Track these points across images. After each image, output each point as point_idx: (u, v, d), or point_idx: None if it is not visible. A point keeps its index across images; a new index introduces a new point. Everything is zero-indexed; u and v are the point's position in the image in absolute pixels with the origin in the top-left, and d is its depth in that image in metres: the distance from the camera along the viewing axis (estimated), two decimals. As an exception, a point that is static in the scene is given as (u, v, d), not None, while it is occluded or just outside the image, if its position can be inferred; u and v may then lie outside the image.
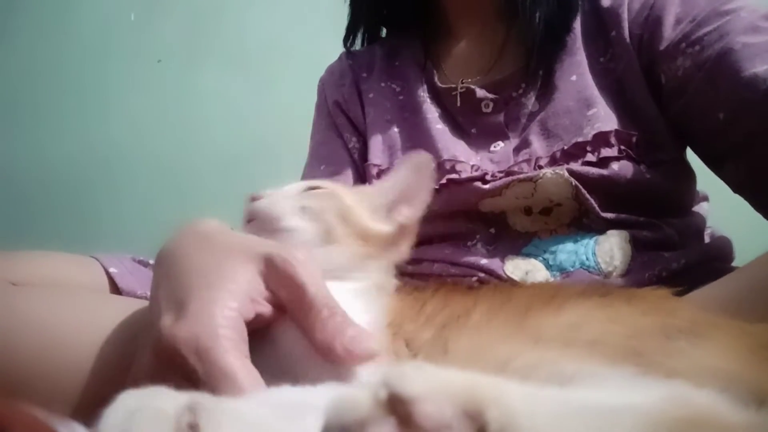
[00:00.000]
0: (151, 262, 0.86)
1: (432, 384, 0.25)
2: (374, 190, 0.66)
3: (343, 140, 0.94)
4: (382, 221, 0.60)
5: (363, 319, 0.43)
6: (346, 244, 0.57)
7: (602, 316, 0.42)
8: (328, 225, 0.57)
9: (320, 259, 0.50)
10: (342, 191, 0.62)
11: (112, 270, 0.76)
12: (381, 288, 0.55)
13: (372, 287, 0.54)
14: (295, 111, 1.06)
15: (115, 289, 0.75)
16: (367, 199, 0.63)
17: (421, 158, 0.61)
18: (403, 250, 0.61)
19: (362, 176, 0.90)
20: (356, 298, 0.48)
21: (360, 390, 0.26)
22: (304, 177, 0.95)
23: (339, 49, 1.04)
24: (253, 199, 0.61)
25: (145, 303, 0.72)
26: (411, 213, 0.60)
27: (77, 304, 0.59)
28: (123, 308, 0.63)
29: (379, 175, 0.85)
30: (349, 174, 0.90)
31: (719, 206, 0.85)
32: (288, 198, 0.60)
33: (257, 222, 0.59)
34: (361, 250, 0.57)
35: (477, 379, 0.27)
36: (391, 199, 0.62)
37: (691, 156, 0.79)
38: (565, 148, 0.74)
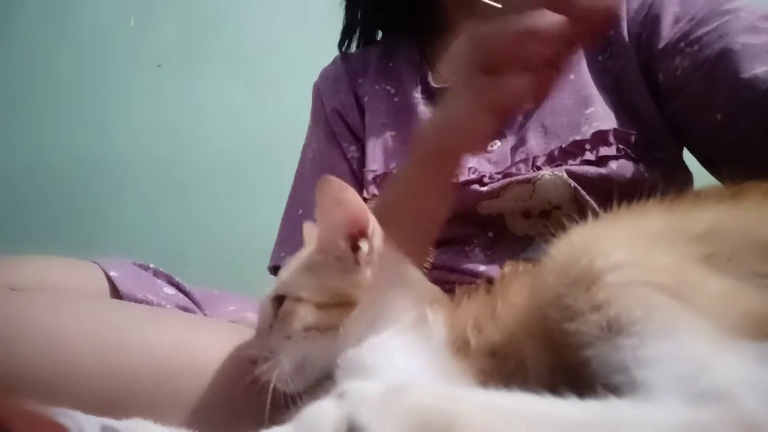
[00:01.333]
0: (152, 265, 0.86)
1: None
2: (311, 251, 0.56)
3: (341, 150, 0.93)
4: (346, 273, 0.53)
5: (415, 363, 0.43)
6: (344, 320, 0.50)
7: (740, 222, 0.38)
8: (317, 327, 0.51)
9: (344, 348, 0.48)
10: (302, 285, 0.53)
11: (112, 274, 0.76)
12: (423, 310, 0.50)
13: (409, 319, 0.49)
14: (294, 114, 1.06)
15: (116, 292, 0.75)
16: (321, 265, 0.54)
17: (326, 186, 0.51)
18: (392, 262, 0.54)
19: (362, 185, 0.89)
20: (400, 346, 0.46)
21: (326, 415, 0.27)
22: (300, 190, 0.95)
23: (337, 52, 1.04)
24: (251, 362, 0.54)
25: (146, 307, 0.73)
26: (370, 243, 0.53)
27: (77, 309, 0.59)
28: (123, 312, 0.64)
29: (375, 181, 0.84)
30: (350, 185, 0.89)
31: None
32: (271, 340, 0.53)
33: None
34: (359, 309, 0.51)
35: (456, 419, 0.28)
36: (333, 246, 0.53)
37: (688, 157, 0.78)
38: (563, 146, 0.73)
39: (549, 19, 0.47)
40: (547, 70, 0.51)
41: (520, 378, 0.39)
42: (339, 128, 0.94)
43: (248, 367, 0.53)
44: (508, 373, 0.40)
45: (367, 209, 0.52)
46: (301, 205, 0.92)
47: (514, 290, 0.46)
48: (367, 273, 0.52)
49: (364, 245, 0.52)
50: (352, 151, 0.92)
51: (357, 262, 0.52)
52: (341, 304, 0.51)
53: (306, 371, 0.51)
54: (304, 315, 0.51)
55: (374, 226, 0.53)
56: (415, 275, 0.55)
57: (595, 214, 0.69)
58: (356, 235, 0.53)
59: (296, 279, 0.54)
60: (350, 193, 0.51)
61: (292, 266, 0.56)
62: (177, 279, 0.85)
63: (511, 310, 0.44)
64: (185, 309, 0.80)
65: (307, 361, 0.50)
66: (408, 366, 0.44)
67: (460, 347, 0.44)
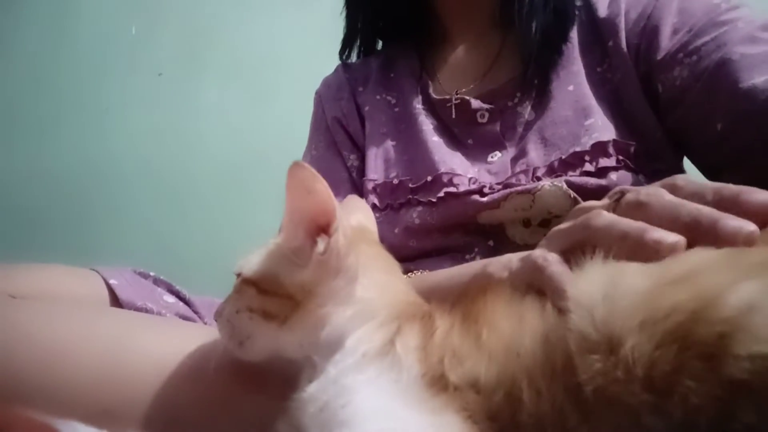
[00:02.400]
0: (152, 274, 0.86)
1: None
2: (280, 239, 0.52)
3: (342, 158, 0.93)
4: (297, 267, 0.50)
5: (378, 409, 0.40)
6: (289, 315, 0.48)
7: None
8: (260, 311, 0.49)
9: (291, 345, 0.48)
10: (253, 267, 0.51)
11: (112, 282, 0.76)
12: (392, 336, 0.46)
13: (375, 346, 0.45)
14: (293, 123, 1.06)
15: (116, 300, 0.75)
16: (284, 253, 0.51)
17: (298, 172, 0.47)
18: (350, 264, 0.50)
19: (361, 194, 0.89)
20: (364, 385, 0.43)
21: None
22: None
23: (336, 61, 1.04)
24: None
25: (146, 315, 0.73)
26: (328, 241, 0.49)
27: (76, 318, 0.59)
28: (122, 321, 0.63)
29: (375, 190, 0.85)
30: (347, 195, 0.89)
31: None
32: (228, 307, 0.52)
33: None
34: (307, 310, 0.48)
35: None
36: (296, 234, 0.50)
37: (688, 165, 0.79)
38: (563, 157, 0.74)
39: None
40: None
41: (508, 412, 0.37)
42: (340, 137, 0.94)
43: (248, 375, 0.53)
44: (494, 407, 0.38)
45: (335, 205, 0.48)
46: None
47: (501, 316, 0.42)
48: (314, 274, 0.48)
49: (321, 243, 0.48)
50: (353, 159, 0.92)
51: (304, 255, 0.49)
52: (283, 297, 0.49)
53: (251, 349, 0.50)
54: (249, 296, 0.50)
55: (340, 226, 0.48)
56: (397, 287, 0.53)
57: None
58: (319, 230, 0.49)
59: (253, 260, 0.52)
60: (321, 184, 0.47)
61: (261, 248, 0.54)
62: (177, 287, 0.85)
63: (500, 340, 0.40)
64: (185, 317, 0.80)
65: (251, 341, 0.50)
66: (375, 410, 0.41)
67: (437, 380, 0.41)
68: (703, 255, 0.35)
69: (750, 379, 0.29)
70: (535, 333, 0.39)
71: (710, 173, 0.74)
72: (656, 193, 0.41)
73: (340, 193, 0.89)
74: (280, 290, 0.49)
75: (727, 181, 0.70)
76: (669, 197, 0.40)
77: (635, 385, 0.32)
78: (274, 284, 0.49)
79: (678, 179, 0.42)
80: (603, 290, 0.36)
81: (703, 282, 0.32)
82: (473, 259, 0.76)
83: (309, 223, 0.49)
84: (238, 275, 0.52)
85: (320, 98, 1.00)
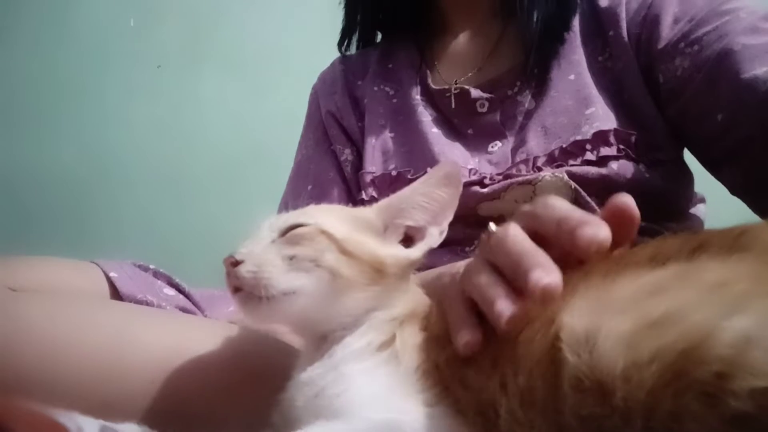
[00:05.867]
0: (152, 266, 0.86)
1: None
2: (372, 210, 0.55)
3: (333, 156, 0.92)
4: (389, 243, 0.52)
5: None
6: (359, 286, 0.48)
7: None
8: (331, 269, 0.47)
9: (333, 314, 0.48)
10: (330, 223, 0.50)
11: (112, 275, 0.76)
12: (393, 333, 0.47)
13: (377, 341, 0.46)
14: (293, 116, 1.06)
15: (116, 293, 0.75)
16: (363, 222, 0.53)
17: (447, 168, 0.53)
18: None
19: (351, 195, 0.88)
20: (361, 374, 0.44)
21: None
22: (288, 192, 0.95)
23: (336, 53, 1.04)
24: (232, 264, 0.48)
25: (145, 308, 0.73)
26: (440, 232, 0.53)
27: (76, 310, 0.59)
28: (123, 313, 0.63)
29: (373, 183, 0.84)
30: (334, 196, 0.88)
31: (716, 209, 0.85)
32: (270, 252, 0.48)
33: (245, 293, 0.48)
34: (379, 287, 0.49)
35: None
36: (402, 215, 0.53)
37: (688, 157, 0.78)
38: (564, 146, 0.73)
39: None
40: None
41: (492, 414, 0.37)
42: (333, 131, 0.94)
43: (248, 368, 0.53)
44: (481, 407, 0.38)
45: (454, 206, 0.54)
46: (283, 207, 0.92)
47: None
48: (408, 254, 0.52)
49: (432, 230, 0.53)
50: (347, 154, 0.92)
51: (406, 241, 0.53)
52: (365, 266, 0.48)
53: (285, 306, 0.46)
54: (323, 248, 0.47)
55: (446, 221, 0.53)
56: (414, 284, 0.55)
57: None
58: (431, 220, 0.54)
59: (328, 218, 0.50)
60: (454, 187, 0.54)
61: (319, 208, 0.55)
62: (177, 280, 0.85)
63: (488, 352, 0.40)
64: (185, 310, 0.80)
65: (295, 297, 0.46)
66: (370, 399, 0.41)
67: (430, 375, 0.42)
68: (681, 292, 0.34)
69: (753, 413, 0.28)
70: (519, 356, 0.38)
71: (710, 165, 0.74)
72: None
73: (328, 193, 0.89)
74: (369, 258, 0.49)
75: (728, 174, 0.70)
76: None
77: (635, 428, 0.31)
78: (362, 251, 0.49)
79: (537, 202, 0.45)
80: (586, 330, 0.34)
81: (689, 320, 0.31)
82: (473, 252, 0.76)
83: (431, 212, 0.53)
84: (296, 227, 0.49)
85: (316, 94, 1.00)
